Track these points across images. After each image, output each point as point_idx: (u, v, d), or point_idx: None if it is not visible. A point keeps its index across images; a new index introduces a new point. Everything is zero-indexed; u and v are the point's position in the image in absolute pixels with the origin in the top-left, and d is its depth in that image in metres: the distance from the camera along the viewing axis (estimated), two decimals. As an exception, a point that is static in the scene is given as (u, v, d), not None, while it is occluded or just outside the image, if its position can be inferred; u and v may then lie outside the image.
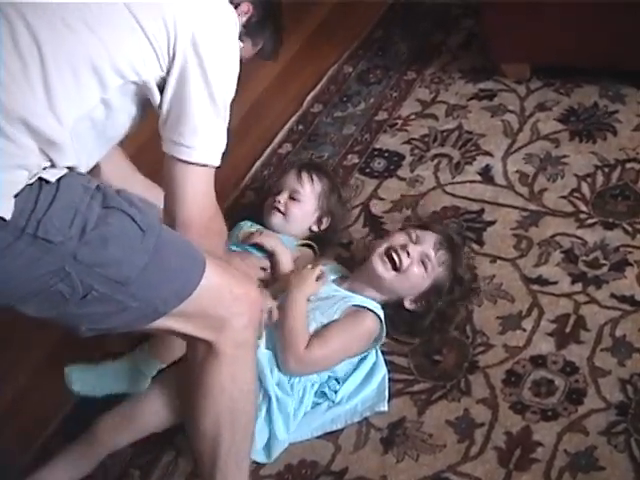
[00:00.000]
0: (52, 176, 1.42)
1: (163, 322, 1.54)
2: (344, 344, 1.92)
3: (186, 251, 1.55)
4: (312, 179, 2.21)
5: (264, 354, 1.87)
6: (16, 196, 1.37)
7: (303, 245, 2.21)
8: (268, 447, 1.87)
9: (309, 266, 2.01)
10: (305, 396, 1.91)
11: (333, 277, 2.06)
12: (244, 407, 1.65)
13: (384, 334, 1.97)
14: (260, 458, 1.86)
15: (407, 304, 1.98)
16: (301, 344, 1.87)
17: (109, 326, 1.51)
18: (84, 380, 1.95)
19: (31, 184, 1.40)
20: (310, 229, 2.23)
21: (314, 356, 1.88)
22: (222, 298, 1.57)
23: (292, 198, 2.20)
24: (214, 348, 1.59)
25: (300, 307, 1.91)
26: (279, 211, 2.19)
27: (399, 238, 1.99)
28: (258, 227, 2.22)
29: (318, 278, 1.98)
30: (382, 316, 1.96)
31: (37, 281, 1.40)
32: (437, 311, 1.97)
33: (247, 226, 2.23)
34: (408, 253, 1.95)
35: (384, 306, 1.99)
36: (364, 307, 1.96)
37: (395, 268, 1.96)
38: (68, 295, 1.42)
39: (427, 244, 1.98)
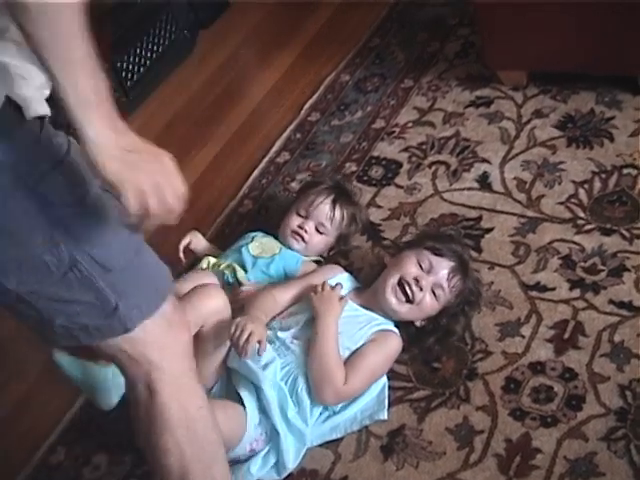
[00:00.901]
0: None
1: (119, 342, 1.45)
2: (376, 371, 1.92)
3: (159, 265, 1.49)
4: (343, 216, 2.20)
5: (273, 391, 1.83)
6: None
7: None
8: (277, 467, 1.86)
9: (327, 287, 1.97)
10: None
11: (347, 291, 2.04)
12: (204, 433, 1.57)
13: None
14: (269, 476, 1.85)
15: (418, 324, 1.99)
16: (340, 380, 1.84)
17: (83, 324, 1.41)
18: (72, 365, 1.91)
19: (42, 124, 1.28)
20: (321, 255, 2.25)
21: (352, 390, 1.88)
22: (166, 328, 1.49)
23: (317, 230, 2.20)
24: (153, 385, 1.50)
25: (334, 334, 1.88)
26: (303, 240, 2.19)
27: (411, 268, 1.96)
28: (265, 239, 2.22)
29: (340, 298, 1.96)
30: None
31: (25, 245, 1.31)
32: (443, 327, 1.99)
33: (259, 236, 2.23)
34: (421, 288, 1.94)
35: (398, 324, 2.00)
36: (388, 330, 1.96)
37: (408, 300, 1.95)
38: (54, 267, 1.33)
39: (440, 274, 1.95)
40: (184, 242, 2.25)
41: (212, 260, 2.17)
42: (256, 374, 1.83)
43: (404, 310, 1.95)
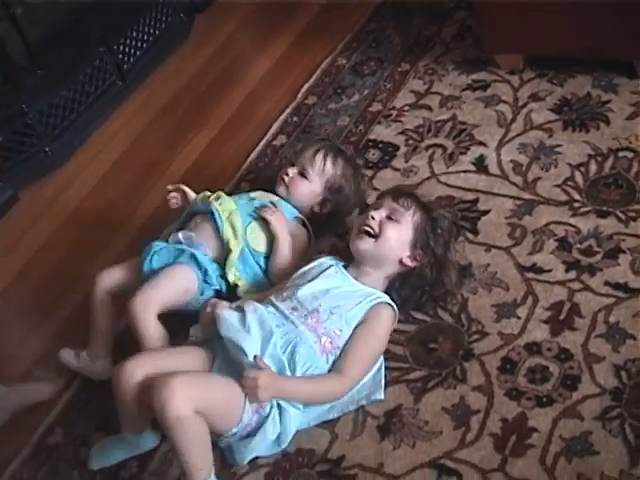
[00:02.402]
0: None
1: None
2: (375, 352, 1.93)
3: None
4: (325, 162, 2.24)
5: (272, 363, 1.84)
6: None
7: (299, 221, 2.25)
8: (278, 441, 1.87)
9: None
10: None
11: (342, 263, 2.08)
12: None
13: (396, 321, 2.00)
14: (274, 450, 1.87)
15: (408, 262, 2.02)
16: (337, 384, 1.86)
17: None
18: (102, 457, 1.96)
19: None
20: (312, 209, 2.27)
21: (357, 378, 1.89)
22: None
23: (301, 174, 2.24)
24: None
25: (294, 394, 1.85)
26: (284, 182, 2.25)
27: (362, 217, 2.07)
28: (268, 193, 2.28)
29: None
30: (394, 305, 1.99)
31: None
32: (433, 259, 2.01)
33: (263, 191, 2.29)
34: (373, 217, 2.02)
35: (390, 289, 2.03)
36: (381, 303, 1.98)
37: (371, 235, 2.01)
38: None
39: (386, 203, 2.05)
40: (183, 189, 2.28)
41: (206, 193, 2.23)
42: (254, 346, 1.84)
43: (371, 245, 2.00)
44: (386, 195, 2.09)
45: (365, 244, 2.01)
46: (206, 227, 2.15)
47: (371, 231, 2.01)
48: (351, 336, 1.92)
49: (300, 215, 2.24)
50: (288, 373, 1.84)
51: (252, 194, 2.27)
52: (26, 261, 2.49)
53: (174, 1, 3.21)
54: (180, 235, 2.14)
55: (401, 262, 2.02)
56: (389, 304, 1.98)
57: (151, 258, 2.12)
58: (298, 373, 1.85)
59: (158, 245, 2.14)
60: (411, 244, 2.02)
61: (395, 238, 2.01)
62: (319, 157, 2.24)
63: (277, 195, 2.26)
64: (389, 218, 2.02)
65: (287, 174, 2.25)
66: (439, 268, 2.03)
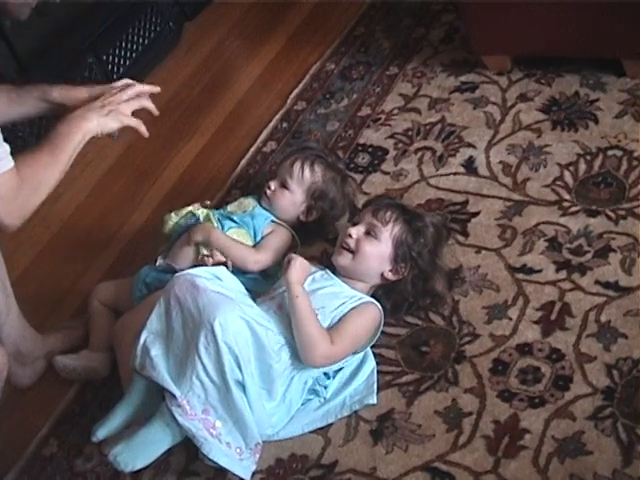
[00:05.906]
0: None
1: None
2: (359, 334, 1.95)
3: None
4: (303, 170, 2.25)
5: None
6: None
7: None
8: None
9: (285, 260, 1.99)
10: (300, 394, 1.92)
11: (329, 269, 2.08)
12: None
13: (382, 323, 2.00)
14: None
15: (390, 276, 2.02)
16: (325, 341, 1.87)
17: None
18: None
19: None
20: (299, 218, 2.28)
21: (340, 350, 1.90)
22: None
23: (282, 186, 2.26)
24: None
25: (302, 296, 1.90)
26: (267, 196, 2.27)
27: (343, 231, 2.09)
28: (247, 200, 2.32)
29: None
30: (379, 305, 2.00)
31: None
32: (417, 270, 2.02)
33: (242, 198, 2.35)
34: (350, 235, 2.02)
35: (376, 295, 2.04)
36: (368, 302, 1.99)
37: (349, 251, 2.02)
38: None
39: (365, 218, 2.05)
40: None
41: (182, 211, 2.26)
42: None
43: (347, 261, 2.03)
44: (367, 208, 2.10)
45: (344, 259, 2.03)
46: (186, 251, 2.17)
47: (349, 248, 2.02)
48: (340, 319, 1.93)
49: (277, 220, 2.25)
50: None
51: (230, 206, 2.30)
52: (18, 274, 2.48)
53: (163, 10, 3.21)
54: (158, 263, 2.19)
55: (383, 276, 2.03)
56: (375, 304, 1.99)
57: (141, 286, 2.16)
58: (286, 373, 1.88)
59: (146, 272, 2.18)
60: (391, 259, 2.02)
61: (372, 255, 2.01)
62: (296, 166, 2.25)
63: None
64: (368, 234, 2.02)
65: (269, 187, 2.26)
66: (425, 278, 2.03)
